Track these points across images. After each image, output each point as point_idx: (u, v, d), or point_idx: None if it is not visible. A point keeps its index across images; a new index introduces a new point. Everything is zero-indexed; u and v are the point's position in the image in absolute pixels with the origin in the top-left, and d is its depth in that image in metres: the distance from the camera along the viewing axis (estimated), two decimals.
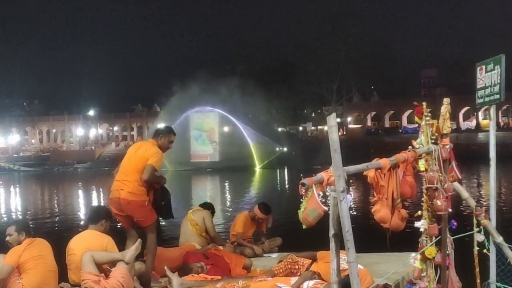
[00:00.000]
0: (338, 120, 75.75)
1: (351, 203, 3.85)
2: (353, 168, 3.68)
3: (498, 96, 5.22)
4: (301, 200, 3.70)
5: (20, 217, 22.12)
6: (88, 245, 5.83)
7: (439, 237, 4.48)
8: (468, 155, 37.85)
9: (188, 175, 46.79)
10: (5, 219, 21.95)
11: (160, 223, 6.52)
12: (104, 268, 5.77)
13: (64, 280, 5.89)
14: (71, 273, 5.89)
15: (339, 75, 78.28)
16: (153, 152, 6.30)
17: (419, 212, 4.54)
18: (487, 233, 5.13)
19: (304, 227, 3.71)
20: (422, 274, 4.51)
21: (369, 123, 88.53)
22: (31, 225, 6.42)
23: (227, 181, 44.78)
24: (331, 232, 3.59)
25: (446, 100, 4.64)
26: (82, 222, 18.75)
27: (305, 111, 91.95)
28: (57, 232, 16.93)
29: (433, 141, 4.51)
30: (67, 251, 5.97)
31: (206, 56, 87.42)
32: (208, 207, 8.59)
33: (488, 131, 5.48)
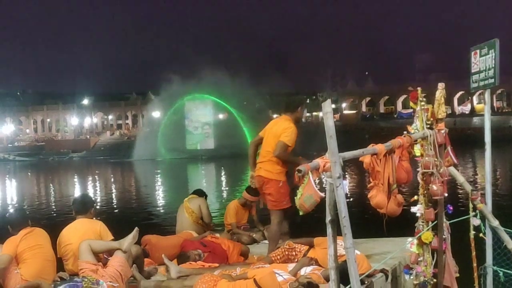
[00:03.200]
0: (333, 106, 75.64)
1: (347, 189, 3.84)
2: (349, 154, 3.68)
3: (492, 80, 5.22)
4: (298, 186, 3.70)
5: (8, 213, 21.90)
6: (83, 233, 5.79)
7: (436, 221, 4.50)
8: (463, 139, 37.95)
9: (183, 163, 46.69)
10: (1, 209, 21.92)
11: None
12: (101, 257, 5.76)
13: (59, 271, 5.85)
14: (68, 264, 5.86)
15: (333, 61, 78.09)
16: (284, 127, 6.22)
17: (415, 197, 4.56)
18: (483, 217, 5.15)
19: (300, 213, 3.71)
20: (419, 259, 4.53)
21: (364, 108, 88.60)
22: (28, 214, 6.34)
23: (222, 168, 44.72)
24: (328, 218, 3.59)
25: (441, 85, 4.64)
26: None
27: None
28: (54, 221, 16.88)
29: (428, 126, 4.51)
30: (61, 243, 5.89)
31: (200, 44, 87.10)
32: (201, 193, 8.59)
33: (482, 115, 5.48)
